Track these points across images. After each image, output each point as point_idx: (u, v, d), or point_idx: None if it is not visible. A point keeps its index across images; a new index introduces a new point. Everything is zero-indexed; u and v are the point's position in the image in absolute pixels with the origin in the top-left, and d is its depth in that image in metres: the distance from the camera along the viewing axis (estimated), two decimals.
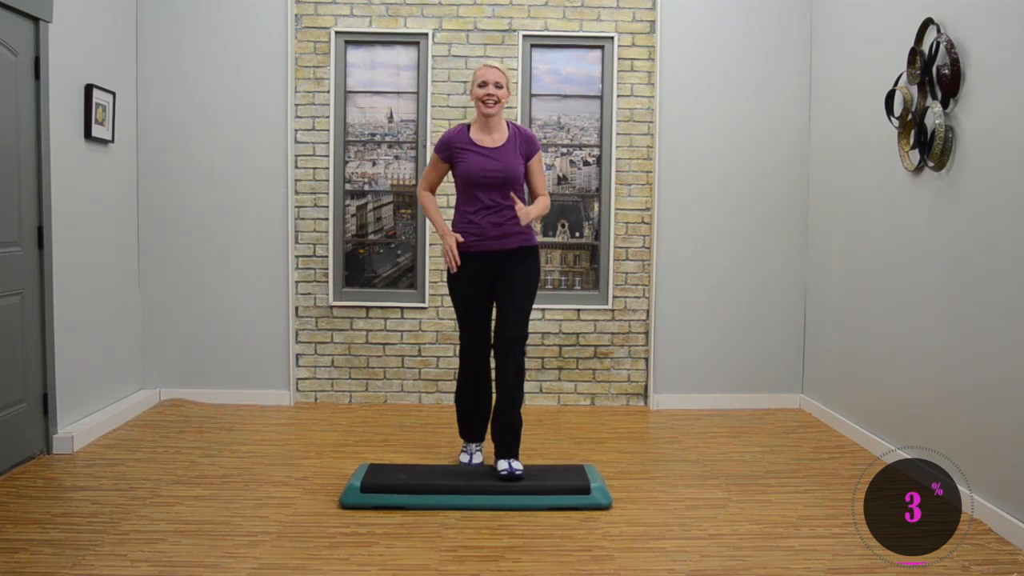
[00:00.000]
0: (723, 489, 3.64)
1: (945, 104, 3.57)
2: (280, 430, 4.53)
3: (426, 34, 4.99)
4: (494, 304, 3.71)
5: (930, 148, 3.63)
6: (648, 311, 5.11)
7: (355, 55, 5.05)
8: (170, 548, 2.95)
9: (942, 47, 3.56)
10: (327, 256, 5.05)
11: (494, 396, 3.73)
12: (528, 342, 5.01)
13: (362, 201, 5.11)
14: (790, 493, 3.60)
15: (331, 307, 5.08)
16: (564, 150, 5.11)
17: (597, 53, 5.07)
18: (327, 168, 5.03)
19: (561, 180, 5.12)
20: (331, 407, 5.00)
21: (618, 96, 5.04)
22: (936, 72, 3.63)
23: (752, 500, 3.51)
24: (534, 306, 4.99)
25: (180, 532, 3.09)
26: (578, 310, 5.11)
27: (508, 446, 3.60)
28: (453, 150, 3.63)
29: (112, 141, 4.57)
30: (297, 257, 5.06)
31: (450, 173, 3.75)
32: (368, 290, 5.13)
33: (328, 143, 5.02)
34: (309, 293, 5.08)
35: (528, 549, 2.99)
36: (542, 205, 3.67)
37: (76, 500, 3.42)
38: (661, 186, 5.03)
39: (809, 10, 5.02)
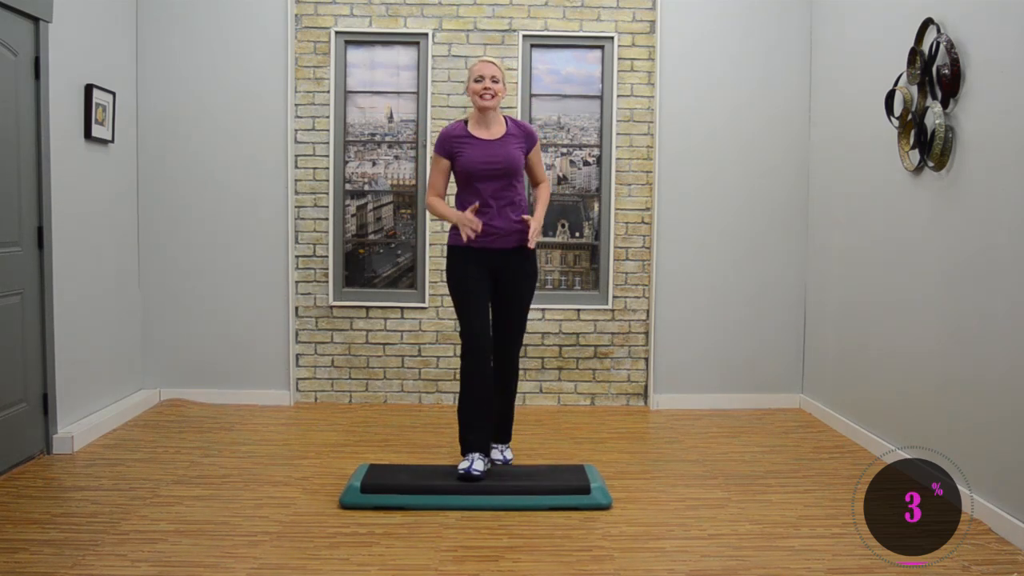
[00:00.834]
0: (723, 489, 3.64)
1: (945, 104, 3.57)
2: (280, 430, 4.53)
3: (426, 34, 4.99)
4: (493, 302, 3.71)
5: (930, 148, 3.63)
6: (648, 311, 5.11)
7: (355, 55, 5.05)
8: (170, 548, 2.95)
9: (942, 47, 3.56)
10: (327, 256, 5.05)
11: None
12: (528, 342, 5.05)
13: (362, 201, 5.11)
14: (790, 493, 3.60)
15: (331, 307, 5.08)
16: (564, 150, 5.11)
17: (597, 53, 5.07)
18: (327, 168, 5.03)
19: (561, 180, 5.12)
20: (331, 407, 5.00)
21: (618, 96, 5.04)
22: (936, 72, 3.63)
23: (752, 500, 3.51)
24: (534, 306, 5.05)
25: (180, 532, 3.09)
26: (578, 310, 5.11)
27: (503, 432, 3.81)
28: (453, 144, 3.62)
29: (112, 141, 4.57)
30: (297, 257, 5.06)
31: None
32: (368, 290, 5.13)
33: (328, 143, 5.02)
34: (309, 293, 5.08)
35: (528, 549, 2.99)
36: (544, 203, 3.73)
37: (76, 500, 3.42)
38: (661, 186, 5.03)
39: (809, 10, 5.02)
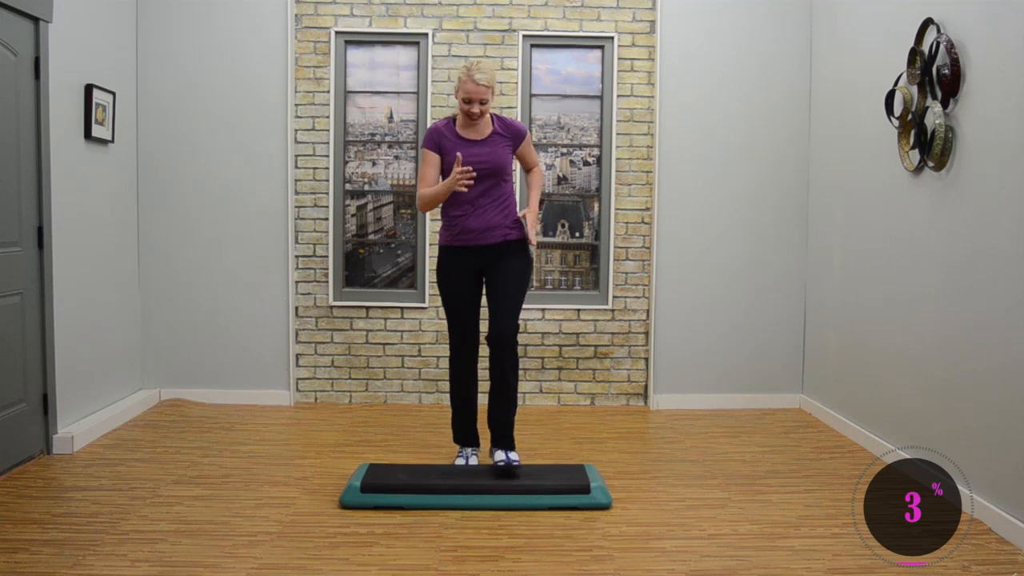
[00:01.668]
0: (723, 489, 3.64)
1: (945, 104, 3.57)
2: (280, 430, 4.53)
3: (426, 34, 4.99)
4: (484, 299, 3.72)
5: (930, 148, 3.63)
6: (648, 311, 5.11)
7: (355, 55, 5.05)
8: (170, 548, 2.95)
9: (942, 47, 3.56)
10: (327, 256, 5.06)
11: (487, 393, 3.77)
12: (528, 342, 5.05)
13: (362, 201, 5.11)
14: (790, 493, 3.60)
15: (331, 307, 5.08)
16: (564, 150, 5.11)
17: (597, 53, 5.07)
18: (327, 168, 5.03)
19: (561, 180, 5.12)
20: (331, 407, 5.00)
21: (618, 96, 5.04)
22: (936, 72, 3.63)
23: (752, 500, 3.51)
24: (534, 306, 5.05)
25: (180, 532, 3.09)
26: (578, 310, 5.11)
27: (505, 436, 3.69)
28: (443, 139, 3.64)
29: (112, 141, 4.57)
30: (297, 257, 5.06)
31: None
32: (368, 290, 5.13)
33: (328, 143, 5.02)
34: (309, 293, 5.08)
35: (528, 549, 2.99)
36: (537, 188, 3.76)
37: (76, 500, 3.42)
38: (661, 186, 5.04)
39: (809, 10, 5.02)
